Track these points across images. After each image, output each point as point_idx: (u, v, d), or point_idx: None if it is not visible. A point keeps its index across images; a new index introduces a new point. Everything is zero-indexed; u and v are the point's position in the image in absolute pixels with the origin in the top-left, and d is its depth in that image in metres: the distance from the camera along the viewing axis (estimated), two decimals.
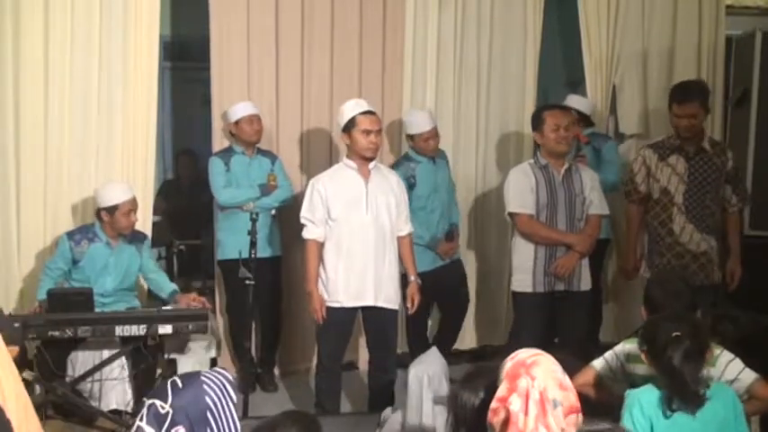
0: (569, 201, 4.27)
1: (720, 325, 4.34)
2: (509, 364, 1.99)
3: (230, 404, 2.03)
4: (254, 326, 5.01)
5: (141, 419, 1.94)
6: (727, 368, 2.90)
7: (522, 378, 1.92)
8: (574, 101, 5.32)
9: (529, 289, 4.29)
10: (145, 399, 1.99)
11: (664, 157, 4.41)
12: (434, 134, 5.00)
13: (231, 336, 5.13)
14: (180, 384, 1.99)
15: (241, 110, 4.93)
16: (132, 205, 4.49)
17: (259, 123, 4.96)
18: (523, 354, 1.99)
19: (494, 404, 1.96)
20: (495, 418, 1.95)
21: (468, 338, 5.64)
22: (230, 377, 2.10)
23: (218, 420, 2.00)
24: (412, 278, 4.33)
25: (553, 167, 4.28)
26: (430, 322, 5.38)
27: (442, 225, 5.01)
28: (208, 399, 1.99)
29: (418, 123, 4.99)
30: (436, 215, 4.98)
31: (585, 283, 4.36)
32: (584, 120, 5.29)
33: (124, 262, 4.54)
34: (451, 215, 5.12)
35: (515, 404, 1.90)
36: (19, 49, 4.73)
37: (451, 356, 4.71)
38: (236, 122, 4.93)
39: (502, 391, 1.95)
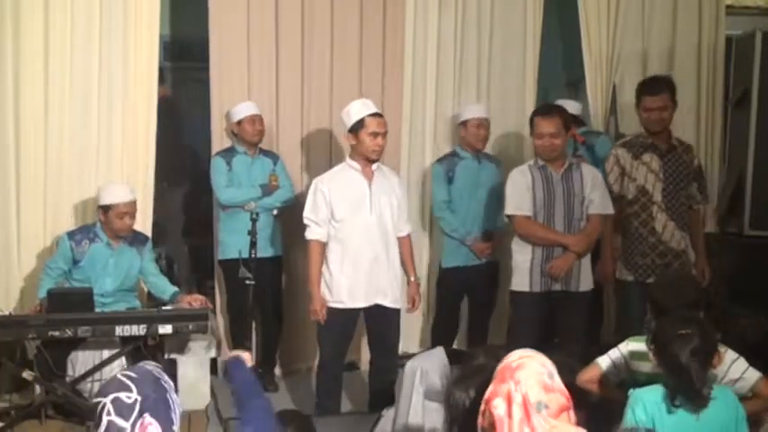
0: (567, 201, 4.25)
1: (724, 326, 4.34)
2: (499, 366, 1.99)
3: (172, 389, 2.04)
4: (254, 326, 5.00)
5: (109, 414, 1.90)
6: (732, 367, 2.91)
7: (506, 381, 1.91)
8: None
9: (526, 288, 4.28)
10: (101, 398, 1.94)
11: (638, 156, 4.41)
12: (485, 123, 5.11)
13: (231, 336, 5.13)
14: (134, 375, 1.98)
15: (243, 110, 4.94)
16: (128, 208, 4.44)
17: (261, 124, 4.97)
18: (513, 356, 1.98)
19: (482, 406, 1.96)
20: (483, 422, 1.95)
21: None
22: (159, 365, 2.10)
23: (173, 402, 2.00)
24: (412, 278, 4.36)
25: (551, 168, 4.27)
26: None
27: (479, 224, 5.05)
28: (164, 383, 1.99)
29: (470, 110, 5.16)
30: (472, 212, 5.04)
31: (585, 284, 4.34)
32: (574, 121, 5.28)
33: (125, 264, 4.52)
34: (494, 218, 5.07)
35: (500, 408, 1.89)
36: (19, 49, 4.73)
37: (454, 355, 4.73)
38: (239, 122, 4.94)
39: (488, 393, 1.95)
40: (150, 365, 2.05)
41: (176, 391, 2.04)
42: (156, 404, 1.91)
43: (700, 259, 4.56)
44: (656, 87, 4.40)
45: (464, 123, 5.13)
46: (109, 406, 1.88)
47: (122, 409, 1.88)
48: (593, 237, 4.31)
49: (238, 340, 4.94)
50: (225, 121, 5.13)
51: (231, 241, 4.81)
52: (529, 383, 1.89)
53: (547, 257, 4.25)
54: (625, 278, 4.49)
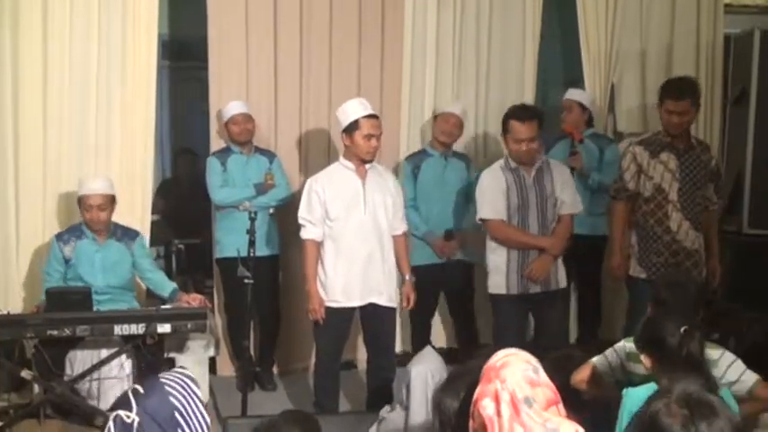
0: (540, 203, 4.22)
1: (723, 325, 4.34)
2: (484, 367, 2.00)
3: (196, 401, 2.03)
4: (252, 324, 5.00)
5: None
6: (729, 370, 2.90)
7: (492, 381, 1.92)
8: (576, 94, 5.28)
9: (503, 291, 4.26)
10: (108, 412, 1.96)
11: (655, 154, 4.38)
12: (457, 122, 5.05)
13: (230, 335, 5.13)
14: (142, 391, 1.98)
15: (230, 110, 4.94)
16: (95, 201, 4.37)
17: (247, 123, 4.94)
18: (497, 356, 2.00)
19: (471, 408, 1.97)
20: (474, 424, 1.96)
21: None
22: (191, 375, 2.08)
23: (188, 419, 1.99)
24: (407, 277, 4.35)
25: (523, 170, 4.23)
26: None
27: (442, 222, 5.00)
28: (173, 399, 1.98)
29: (447, 105, 5.16)
30: (435, 210, 4.99)
31: (562, 281, 4.34)
32: (586, 114, 5.24)
33: (112, 258, 4.48)
34: (460, 217, 5.03)
35: (489, 408, 1.90)
36: (18, 48, 4.73)
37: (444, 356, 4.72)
38: (226, 122, 4.95)
39: (476, 395, 1.96)
40: (170, 378, 2.03)
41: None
42: (159, 423, 1.92)
43: (712, 260, 4.53)
44: (680, 92, 4.32)
45: (435, 118, 5.12)
46: (110, 424, 1.90)
47: (123, 428, 1.89)
48: (566, 237, 4.29)
49: (237, 340, 4.95)
50: (217, 122, 5.14)
51: (228, 240, 4.81)
52: (514, 380, 1.91)
53: (523, 259, 4.22)
54: (638, 275, 4.46)
